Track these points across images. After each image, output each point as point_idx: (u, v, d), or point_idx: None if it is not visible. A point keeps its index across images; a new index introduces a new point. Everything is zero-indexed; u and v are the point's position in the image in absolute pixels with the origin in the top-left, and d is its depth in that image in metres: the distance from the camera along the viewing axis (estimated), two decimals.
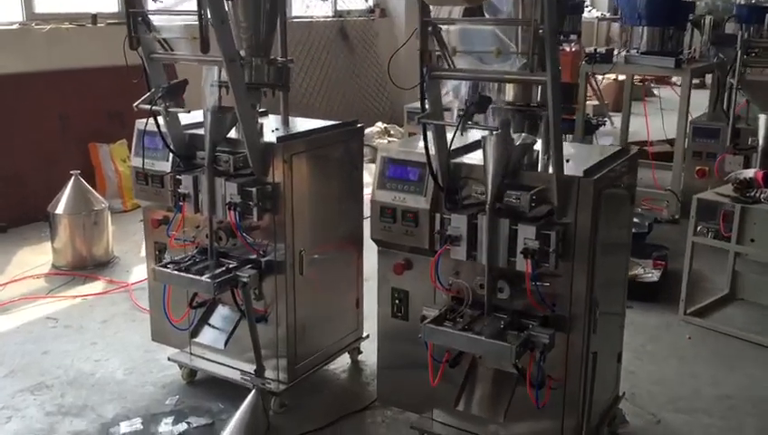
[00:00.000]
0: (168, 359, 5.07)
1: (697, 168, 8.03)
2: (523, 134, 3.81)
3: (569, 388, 3.81)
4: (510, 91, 3.87)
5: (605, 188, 3.71)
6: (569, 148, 3.86)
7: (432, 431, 4.23)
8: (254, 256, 4.55)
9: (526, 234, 3.58)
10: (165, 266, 4.51)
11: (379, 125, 11.91)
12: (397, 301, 4.22)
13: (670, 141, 11.66)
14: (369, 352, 5.35)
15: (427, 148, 3.71)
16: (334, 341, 5.10)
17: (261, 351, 4.56)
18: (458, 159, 3.89)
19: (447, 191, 3.83)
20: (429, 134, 3.71)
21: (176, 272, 4.41)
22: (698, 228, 6.18)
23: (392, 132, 11.85)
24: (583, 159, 3.86)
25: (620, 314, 4.47)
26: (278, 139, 4.42)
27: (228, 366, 4.85)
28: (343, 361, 5.30)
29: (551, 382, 3.76)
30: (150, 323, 5.17)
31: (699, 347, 5.72)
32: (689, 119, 8.42)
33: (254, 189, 4.34)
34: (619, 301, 4.41)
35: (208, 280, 4.30)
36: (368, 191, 4.41)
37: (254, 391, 4.54)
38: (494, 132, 3.61)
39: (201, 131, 4.44)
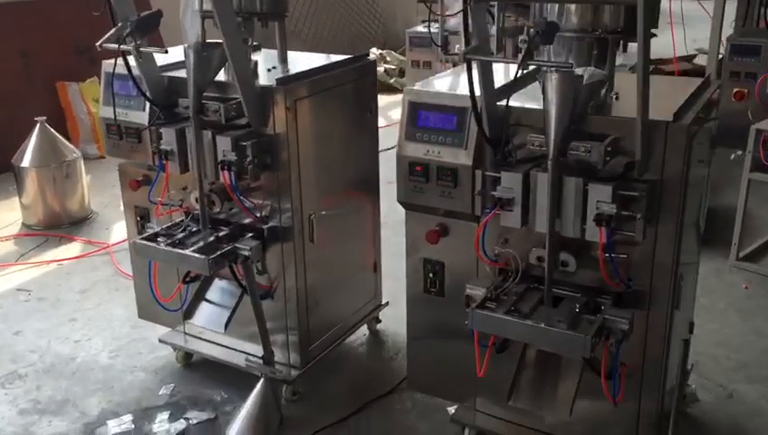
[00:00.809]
0: (160, 341, 4.37)
1: (735, 90, 7.25)
2: (591, 69, 3.03)
3: (647, 374, 3.16)
4: (573, 15, 3.05)
5: (695, 133, 2.96)
6: (627, 81, 3.07)
7: (476, 425, 3.60)
8: (254, 223, 3.81)
9: (600, 195, 2.85)
10: (149, 239, 3.75)
11: (375, 52, 10.96)
12: (430, 274, 3.51)
13: (688, 58, 10.85)
14: (389, 320, 4.70)
15: (471, 89, 2.93)
16: (351, 313, 4.42)
17: (268, 333, 3.88)
18: (508, 102, 3.11)
19: (496, 142, 3.08)
20: (474, 71, 2.93)
21: (162, 247, 3.67)
22: (732, 157, 5.47)
23: (389, 59, 10.91)
24: (661, 97, 3.09)
25: (695, 276, 3.79)
26: (278, 81, 3.60)
27: (231, 349, 4.17)
28: (361, 332, 4.64)
29: (624, 370, 3.10)
30: (136, 297, 4.45)
31: (758, 298, 5.09)
32: (723, 35, 7.58)
33: (250, 143, 3.57)
34: (694, 261, 3.72)
35: (202, 256, 3.56)
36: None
37: (262, 381, 3.88)
38: (557, 67, 2.83)
39: (183, 74, 3.62)
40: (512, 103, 3.04)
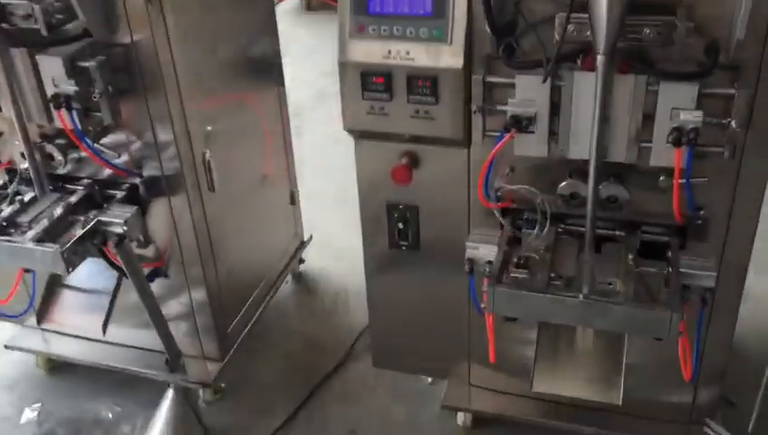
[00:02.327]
0: (6, 347, 3.11)
1: None
2: None
3: (710, 343, 2.35)
4: None
5: None
6: None
7: (473, 408, 2.72)
8: (122, 176, 2.56)
9: (678, 99, 1.87)
10: None
11: None
12: (400, 223, 2.45)
13: None
14: (313, 255, 3.66)
15: None
16: (271, 266, 3.32)
17: (169, 328, 2.73)
18: None
19: (503, 31, 1.98)
20: None
21: None
22: None
23: None
24: None
25: None
26: None
27: (116, 344, 2.99)
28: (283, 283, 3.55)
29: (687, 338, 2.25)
30: None
31: None
32: None
33: (95, 63, 2.26)
34: None
35: (50, 248, 2.30)
36: None
37: (170, 392, 2.78)
38: None
39: None
40: None
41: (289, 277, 3.59)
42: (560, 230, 2.24)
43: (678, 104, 1.87)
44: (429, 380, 3.01)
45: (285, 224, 3.41)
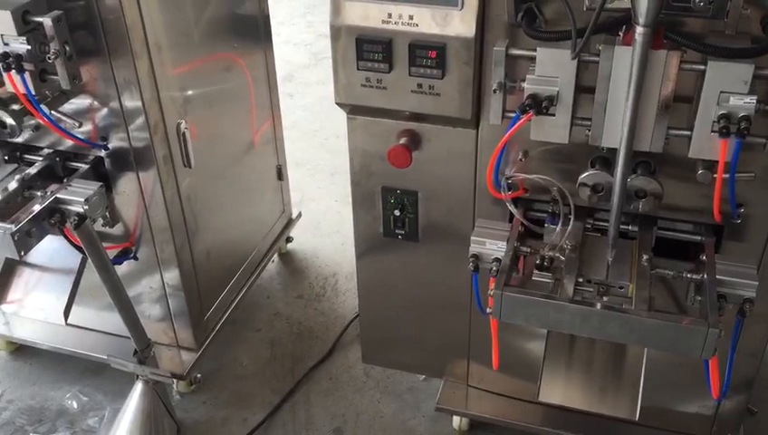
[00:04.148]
0: None
1: None
2: None
3: (740, 353, 2.08)
4: None
5: None
6: None
7: (470, 412, 2.48)
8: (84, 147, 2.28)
9: (727, 81, 1.58)
10: None
11: None
12: (396, 210, 2.18)
13: None
14: (296, 232, 3.39)
15: None
16: (255, 246, 3.05)
17: (137, 316, 2.47)
18: None
19: None
20: None
21: None
22: None
23: None
24: None
25: None
26: None
27: (81, 328, 2.74)
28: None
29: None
30: None
31: None
32: None
33: (52, 18, 1.95)
34: None
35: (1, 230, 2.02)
36: None
37: (140, 386, 2.53)
38: None
39: None
40: None
41: (275, 257, 3.33)
42: (588, 227, 1.98)
43: (728, 87, 1.59)
44: (422, 376, 2.77)
45: (271, 200, 3.13)
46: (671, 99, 1.64)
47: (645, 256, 1.87)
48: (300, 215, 3.34)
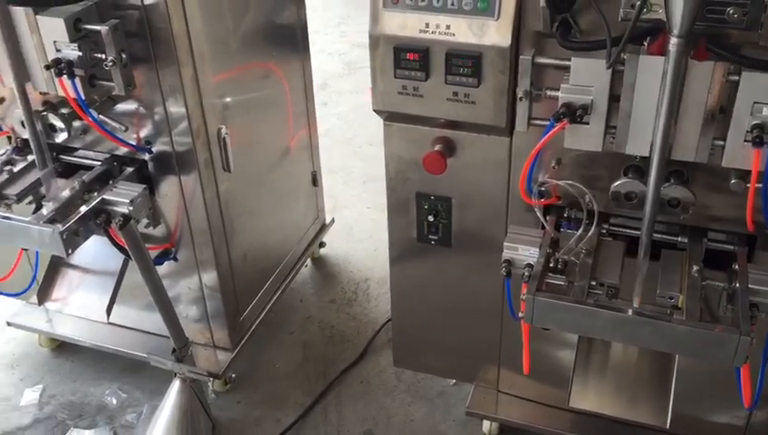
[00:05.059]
0: (8, 323, 2.95)
1: None
2: None
3: None
4: None
5: None
6: None
7: (499, 416, 2.51)
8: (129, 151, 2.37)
9: (761, 91, 1.61)
10: None
11: None
12: (430, 215, 2.23)
13: None
14: (330, 237, 3.45)
15: None
16: (290, 250, 3.11)
17: (176, 316, 2.54)
18: None
19: (560, 4, 1.73)
20: None
21: None
22: None
23: None
24: None
25: None
26: None
27: (121, 326, 2.82)
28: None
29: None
30: None
31: None
32: None
33: (106, 27, 2.04)
34: None
35: (48, 228, 2.11)
36: None
37: (177, 384, 2.60)
38: None
39: None
40: None
41: (308, 262, 3.39)
42: (603, 232, 2.01)
43: (762, 98, 1.61)
44: (453, 381, 2.81)
45: (306, 205, 3.19)
46: (716, 109, 1.67)
47: (695, 268, 1.89)
48: (333, 221, 3.40)
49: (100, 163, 2.41)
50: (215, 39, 2.36)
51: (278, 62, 2.79)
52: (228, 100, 2.48)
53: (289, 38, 2.86)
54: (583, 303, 1.80)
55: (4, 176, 2.29)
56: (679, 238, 1.98)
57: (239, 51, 2.53)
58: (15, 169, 2.34)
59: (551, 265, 1.91)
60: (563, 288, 1.87)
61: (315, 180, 3.18)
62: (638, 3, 1.55)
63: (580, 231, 1.93)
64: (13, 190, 2.24)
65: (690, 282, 1.83)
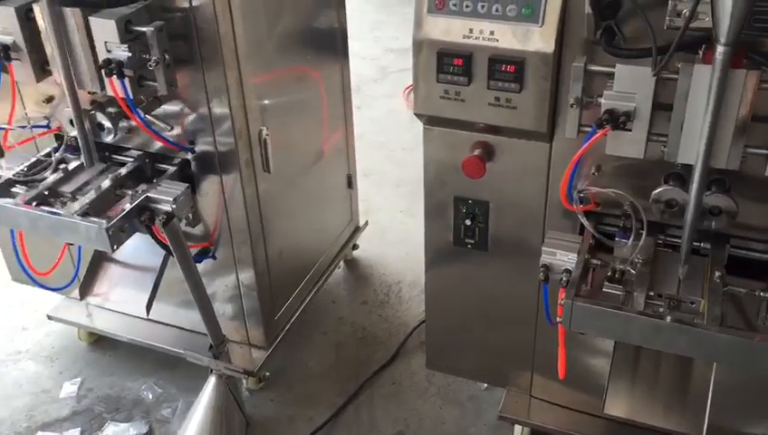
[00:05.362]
0: (49, 317, 3.02)
1: None
2: None
3: None
4: None
5: None
6: None
7: (531, 422, 2.51)
8: (173, 150, 2.42)
9: None
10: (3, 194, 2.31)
11: None
12: (467, 220, 2.25)
13: None
14: (363, 241, 3.47)
15: None
16: (324, 251, 3.15)
17: (214, 313, 2.59)
18: None
19: (605, 11, 1.74)
20: None
21: (23, 209, 2.23)
22: None
23: None
24: None
25: None
26: None
27: (159, 323, 2.87)
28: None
29: None
30: (2, 253, 3.03)
31: None
32: None
33: (151, 28, 2.09)
34: None
35: (95, 224, 2.16)
36: None
37: (213, 380, 2.64)
38: None
39: None
40: None
41: (341, 264, 3.42)
42: (659, 242, 2.01)
43: None
44: (484, 385, 2.82)
45: (340, 207, 3.23)
46: (749, 117, 1.67)
47: (717, 273, 1.90)
48: (366, 223, 3.43)
49: (132, 160, 2.46)
50: (258, 41, 2.41)
51: (316, 66, 2.83)
52: (267, 102, 2.52)
53: (329, 42, 2.90)
54: (621, 308, 1.80)
55: (59, 174, 2.35)
56: (702, 244, 1.98)
57: (276, 53, 2.57)
58: (70, 168, 2.40)
59: (608, 274, 1.92)
60: (620, 298, 1.88)
61: (350, 183, 3.21)
62: (687, 11, 1.56)
63: (630, 240, 1.93)
64: (68, 188, 2.30)
65: (712, 287, 1.83)
